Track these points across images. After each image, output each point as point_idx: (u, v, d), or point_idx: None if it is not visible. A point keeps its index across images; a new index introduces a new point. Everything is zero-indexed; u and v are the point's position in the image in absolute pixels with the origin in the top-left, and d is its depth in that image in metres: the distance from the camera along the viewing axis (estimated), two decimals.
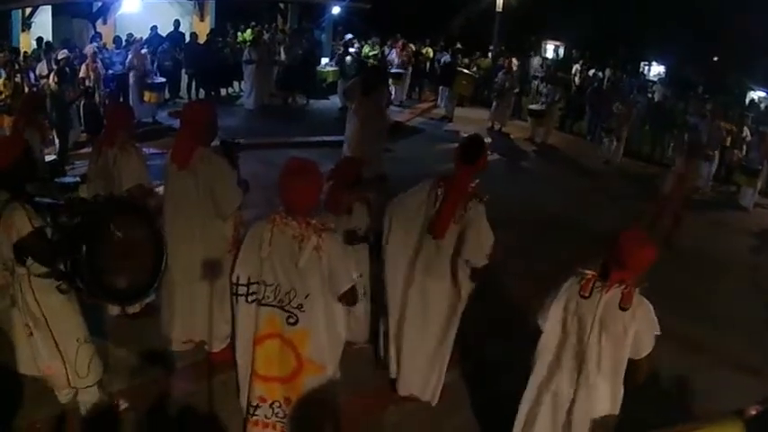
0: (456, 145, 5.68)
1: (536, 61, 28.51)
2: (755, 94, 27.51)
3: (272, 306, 4.53)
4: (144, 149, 7.18)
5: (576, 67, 25.84)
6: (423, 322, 5.80)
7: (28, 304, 4.67)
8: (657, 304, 4.37)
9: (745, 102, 25.00)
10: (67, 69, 13.58)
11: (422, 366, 5.93)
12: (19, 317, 4.79)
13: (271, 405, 4.73)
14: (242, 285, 4.62)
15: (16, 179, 4.60)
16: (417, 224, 5.64)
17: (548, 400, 4.70)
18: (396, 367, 6.03)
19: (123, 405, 5.46)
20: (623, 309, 4.31)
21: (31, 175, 4.77)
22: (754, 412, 3.44)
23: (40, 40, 16.82)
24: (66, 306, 4.78)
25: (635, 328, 4.32)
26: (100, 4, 19.48)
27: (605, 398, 4.52)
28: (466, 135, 6.38)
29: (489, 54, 24.73)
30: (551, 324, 4.64)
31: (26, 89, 13.47)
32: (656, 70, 33.55)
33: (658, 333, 4.36)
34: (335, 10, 24.65)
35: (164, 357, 6.31)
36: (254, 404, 4.76)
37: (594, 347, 4.42)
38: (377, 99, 12.40)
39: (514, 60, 22.11)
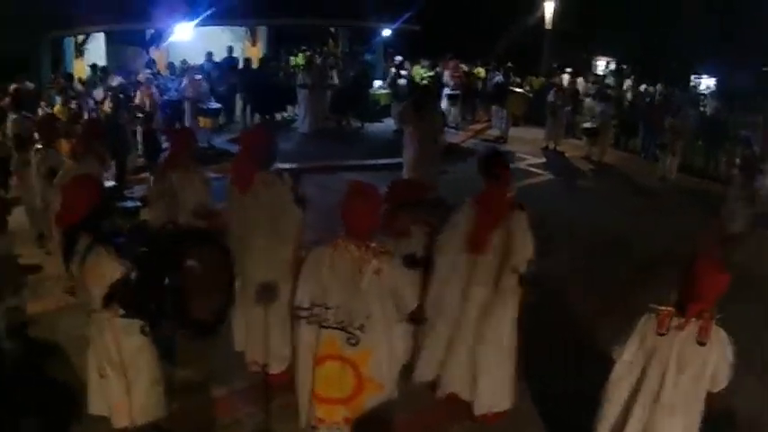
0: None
1: (608, 79, 27.93)
2: None
3: (333, 328, 4.56)
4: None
5: (628, 82, 25.55)
6: (478, 333, 5.87)
7: (106, 344, 4.58)
8: None
9: None
10: (122, 95, 13.84)
11: (470, 372, 5.97)
12: (93, 358, 4.73)
13: (329, 427, 4.73)
14: (304, 309, 4.65)
15: (96, 221, 4.56)
16: (462, 243, 5.80)
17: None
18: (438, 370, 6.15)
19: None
20: (701, 344, 4.25)
21: (108, 214, 4.74)
22: None
23: (94, 66, 17.17)
24: (144, 348, 4.70)
25: (713, 362, 4.28)
26: (152, 31, 19.85)
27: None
28: (485, 150, 6.36)
29: (562, 74, 24.09)
30: (626, 361, 4.61)
31: (85, 115, 13.77)
32: (706, 83, 33.13)
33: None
34: (386, 32, 24.64)
35: (222, 378, 6.39)
36: (313, 425, 4.78)
37: (673, 385, 4.37)
38: (430, 120, 12.38)
39: (565, 77, 21.81)
